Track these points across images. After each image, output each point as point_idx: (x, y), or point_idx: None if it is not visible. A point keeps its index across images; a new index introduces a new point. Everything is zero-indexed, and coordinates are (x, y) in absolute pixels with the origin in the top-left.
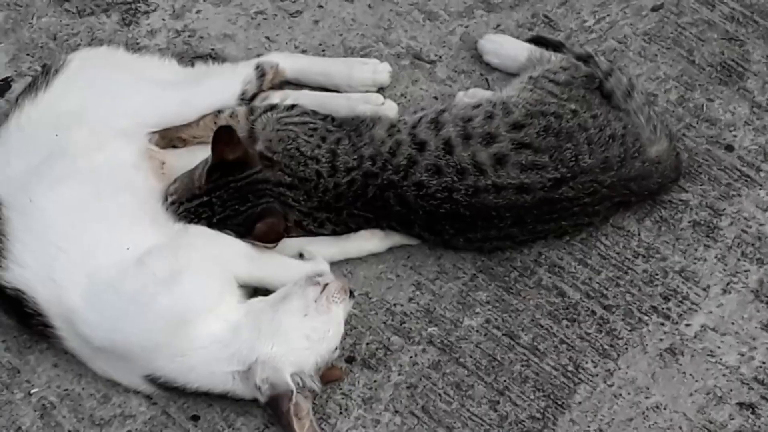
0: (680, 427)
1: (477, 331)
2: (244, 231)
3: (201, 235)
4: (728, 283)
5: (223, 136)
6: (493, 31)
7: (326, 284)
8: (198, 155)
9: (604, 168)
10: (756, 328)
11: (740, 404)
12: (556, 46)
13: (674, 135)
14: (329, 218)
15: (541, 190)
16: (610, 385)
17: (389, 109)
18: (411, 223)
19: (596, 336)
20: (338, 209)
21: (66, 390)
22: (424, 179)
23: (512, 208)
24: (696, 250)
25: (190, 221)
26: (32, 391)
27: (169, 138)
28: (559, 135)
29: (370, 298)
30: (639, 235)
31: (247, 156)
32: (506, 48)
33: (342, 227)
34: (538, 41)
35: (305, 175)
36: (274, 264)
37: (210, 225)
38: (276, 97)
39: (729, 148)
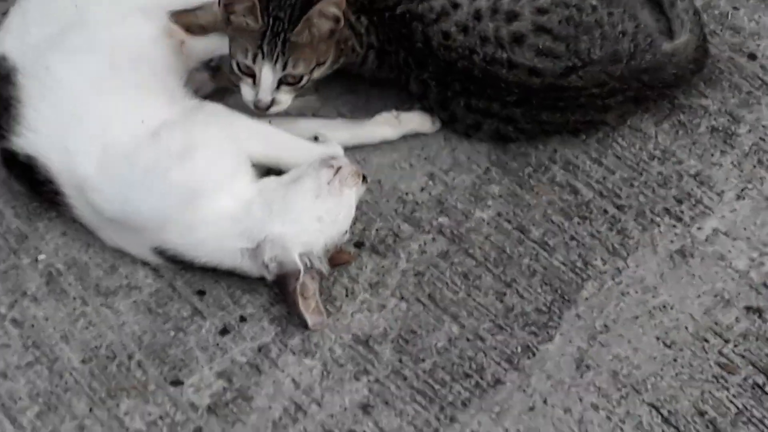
0: (686, 327)
1: (487, 223)
2: (306, 7)
3: (216, 112)
4: (743, 189)
5: None
6: None
7: (340, 167)
8: (216, 41)
9: (613, 60)
10: (767, 235)
11: (747, 308)
12: None
13: (702, 32)
14: (370, 20)
15: (551, 75)
16: (618, 283)
17: None
18: (425, 66)
19: (607, 234)
20: (371, 12)
21: (73, 258)
22: (452, 31)
23: (521, 86)
24: (712, 155)
25: (274, 49)
26: (39, 257)
27: (188, 24)
28: (578, 27)
29: (382, 186)
30: (656, 137)
31: None
32: None
33: (374, 36)
34: None
35: None
36: (289, 144)
37: (286, 35)
38: None
39: (752, 56)
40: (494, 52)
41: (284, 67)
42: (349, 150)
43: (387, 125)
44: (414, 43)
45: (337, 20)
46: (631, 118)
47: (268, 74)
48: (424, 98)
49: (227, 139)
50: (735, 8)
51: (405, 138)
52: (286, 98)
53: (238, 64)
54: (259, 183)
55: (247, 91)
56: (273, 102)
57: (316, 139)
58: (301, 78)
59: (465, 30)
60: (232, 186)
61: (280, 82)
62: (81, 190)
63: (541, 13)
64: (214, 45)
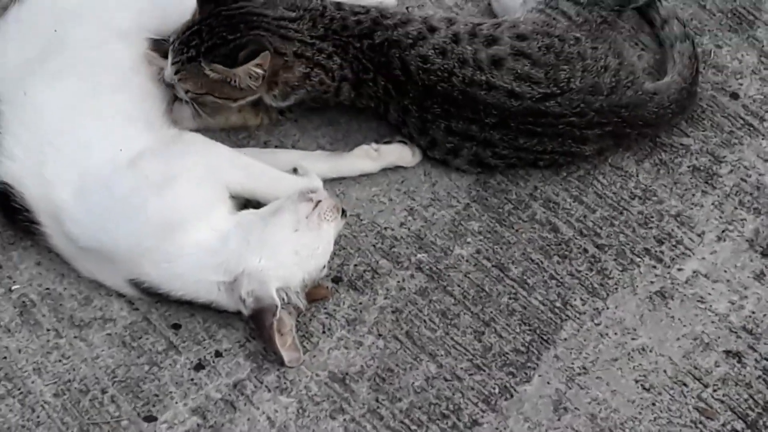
0: (665, 371)
1: (467, 260)
2: (230, 62)
3: (196, 142)
4: (723, 231)
5: None
6: None
7: (319, 201)
8: None
9: (592, 91)
10: (748, 277)
11: (727, 352)
12: None
13: (693, 77)
14: (336, 52)
15: (529, 99)
16: (597, 324)
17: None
18: (405, 92)
19: (587, 274)
20: (345, 44)
21: (47, 289)
22: (430, 55)
23: (499, 108)
24: (693, 195)
25: (182, 54)
26: (13, 288)
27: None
28: (559, 56)
29: (361, 220)
30: (637, 176)
31: None
32: None
33: (348, 69)
34: None
35: (312, 5)
36: (268, 176)
37: (197, 55)
38: None
39: (734, 95)
40: (473, 74)
41: (176, 73)
42: (329, 183)
43: (366, 158)
44: (392, 70)
45: (257, 79)
46: (612, 156)
47: (169, 66)
48: (404, 125)
49: (206, 169)
50: (718, 46)
51: (385, 171)
52: (182, 93)
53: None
54: (238, 215)
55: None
56: (174, 86)
57: (295, 171)
58: (191, 93)
59: (443, 53)
60: (210, 217)
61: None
62: (57, 218)
63: (520, 39)
64: None
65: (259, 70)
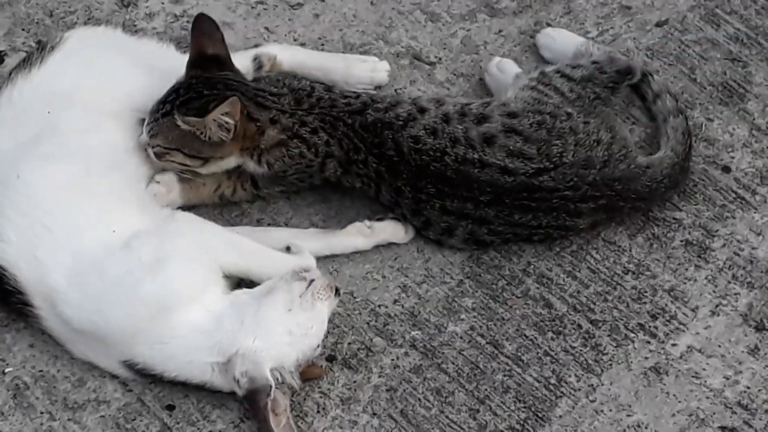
0: None
1: (461, 337)
2: (200, 113)
3: (189, 222)
4: (717, 305)
5: (203, 25)
6: (494, 37)
7: (312, 280)
8: None
9: (585, 165)
10: (743, 352)
11: (722, 428)
12: None
13: (686, 152)
14: (323, 128)
15: (522, 175)
16: (592, 401)
17: None
18: (399, 173)
19: (581, 350)
20: (334, 120)
21: (41, 371)
22: (421, 135)
23: (493, 185)
24: (687, 269)
25: (158, 112)
26: (6, 370)
27: None
28: (551, 131)
29: (354, 298)
30: (630, 251)
31: (226, 56)
32: (558, 42)
33: (336, 146)
34: None
35: (300, 86)
36: (261, 256)
37: (171, 109)
38: None
39: (726, 169)
40: (465, 153)
41: (149, 132)
42: (322, 260)
43: (359, 235)
44: (385, 152)
45: (228, 131)
46: (605, 231)
47: (144, 126)
48: (397, 206)
49: (199, 250)
50: (709, 119)
51: (378, 248)
52: (153, 155)
53: None
54: (231, 295)
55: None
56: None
57: (288, 249)
58: (162, 149)
59: (434, 133)
60: (204, 298)
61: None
62: (50, 300)
63: (511, 117)
64: None
65: (228, 119)
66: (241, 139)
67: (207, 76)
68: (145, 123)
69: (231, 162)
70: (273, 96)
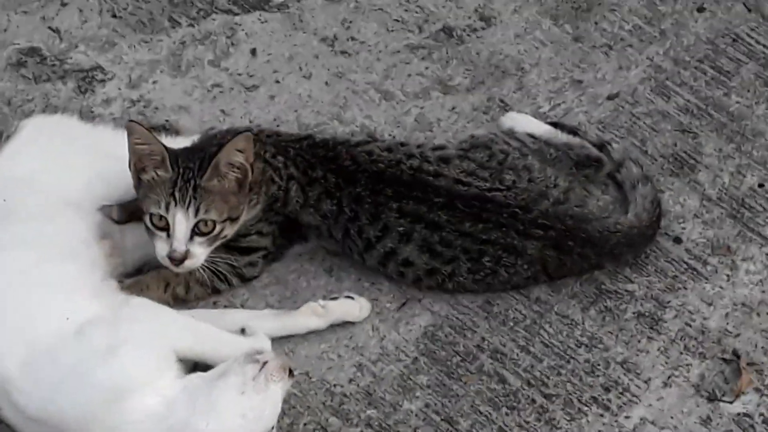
0: None
1: (416, 415)
2: (216, 151)
3: (142, 307)
4: (669, 377)
5: (135, 130)
6: (447, 114)
7: (265, 362)
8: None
9: (539, 196)
10: (695, 423)
11: None
12: (570, 131)
13: (653, 221)
14: (278, 152)
15: (476, 188)
16: None
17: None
18: (356, 180)
19: (535, 425)
20: (284, 145)
21: None
22: (375, 150)
23: (447, 190)
24: (639, 341)
25: (185, 195)
26: None
27: (130, 210)
28: (502, 163)
29: (310, 378)
30: (583, 324)
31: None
32: (524, 127)
33: (293, 167)
34: (554, 126)
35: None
36: (214, 339)
37: (197, 182)
38: None
39: (677, 240)
40: (421, 164)
41: (197, 212)
42: (277, 341)
43: (314, 315)
44: (342, 163)
45: (244, 171)
46: (558, 304)
47: (181, 220)
48: (357, 219)
49: (153, 335)
50: (660, 191)
51: (333, 327)
52: (200, 251)
53: (151, 218)
54: (185, 379)
55: (161, 246)
56: (187, 254)
57: (243, 331)
58: (215, 226)
59: (389, 149)
60: (157, 384)
61: (194, 233)
62: (4, 390)
63: (464, 150)
64: (146, 248)
65: (241, 157)
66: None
67: (192, 147)
68: (177, 224)
69: (245, 211)
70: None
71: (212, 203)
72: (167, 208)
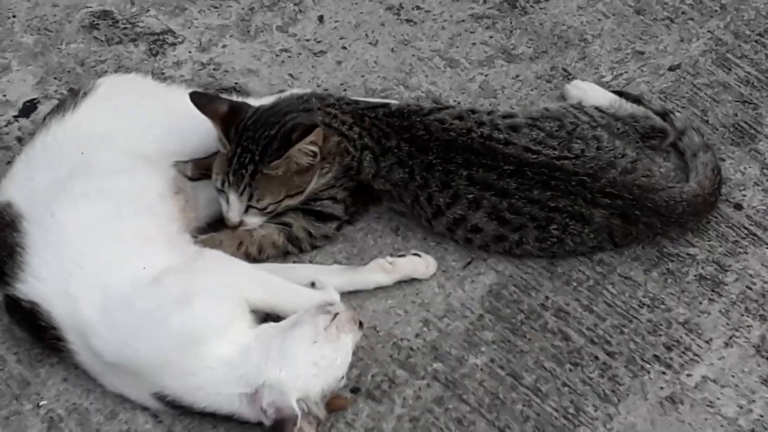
0: None
1: (481, 369)
2: (285, 145)
3: (215, 259)
4: (731, 337)
5: (200, 99)
6: (511, 82)
7: (337, 313)
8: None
9: (607, 165)
10: (756, 381)
11: None
12: (635, 100)
13: (715, 188)
14: (355, 122)
15: (545, 156)
16: (610, 429)
17: None
18: (428, 149)
19: (598, 381)
20: (360, 115)
21: (74, 404)
22: (446, 119)
23: (516, 158)
24: (700, 303)
25: (239, 183)
26: (41, 404)
27: (203, 167)
28: (571, 133)
29: (377, 332)
30: (645, 285)
31: (236, 103)
32: (590, 95)
33: (367, 137)
34: (618, 95)
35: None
36: (286, 291)
37: (256, 168)
38: None
39: (738, 206)
40: (491, 132)
41: (249, 198)
42: (345, 296)
43: (381, 271)
44: (415, 133)
45: (314, 155)
46: (621, 266)
47: (234, 200)
48: (427, 186)
49: (226, 285)
50: (721, 159)
51: (400, 284)
52: (255, 220)
53: (215, 183)
54: (257, 329)
55: (222, 206)
56: (242, 224)
57: (313, 285)
58: (268, 206)
59: (460, 118)
60: (231, 332)
61: (249, 207)
62: (83, 335)
63: (532, 119)
64: (218, 204)
65: (314, 148)
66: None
67: (253, 121)
68: (232, 204)
69: (314, 181)
70: (306, 102)
71: (267, 190)
72: (223, 185)
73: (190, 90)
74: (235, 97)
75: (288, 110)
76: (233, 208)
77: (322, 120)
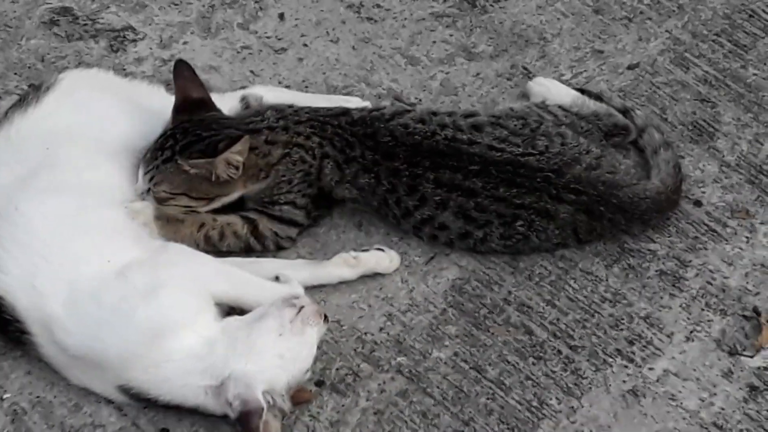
0: None
1: (445, 363)
2: (210, 152)
3: (181, 252)
4: (691, 331)
5: (184, 71)
6: (472, 79)
7: (302, 306)
8: None
9: (572, 161)
10: (717, 375)
11: None
12: (596, 98)
13: (676, 185)
14: (314, 132)
15: (509, 153)
16: (573, 422)
17: None
18: (394, 155)
19: (561, 374)
20: (321, 124)
21: (38, 397)
22: (410, 123)
23: (482, 157)
24: (662, 298)
25: (155, 159)
26: (4, 396)
27: None
28: (535, 131)
29: (341, 326)
30: (607, 280)
31: (209, 97)
32: (553, 92)
33: (329, 146)
34: (580, 92)
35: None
36: (251, 284)
37: (173, 155)
38: None
39: (697, 203)
40: (455, 134)
41: (150, 179)
42: (309, 290)
43: (345, 266)
44: (380, 140)
45: (237, 168)
46: (582, 261)
47: (140, 176)
48: (394, 191)
49: (191, 279)
50: (681, 157)
51: (363, 278)
52: (150, 202)
53: None
54: (223, 322)
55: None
56: (143, 198)
57: (277, 279)
58: (167, 196)
59: (422, 121)
60: (196, 324)
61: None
62: (47, 328)
63: (495, 117)
64: None
65: (238, 157)
66: (250, 171)
67: (198, 119)
68: (142, 172)
69: (234, 196)
70: (257, 117)
71: (169, 179)
72: (144, 157)
73: (178, 60)
74: None
75: (229, 124)
76: (139, 181)
77: (266, 138)
